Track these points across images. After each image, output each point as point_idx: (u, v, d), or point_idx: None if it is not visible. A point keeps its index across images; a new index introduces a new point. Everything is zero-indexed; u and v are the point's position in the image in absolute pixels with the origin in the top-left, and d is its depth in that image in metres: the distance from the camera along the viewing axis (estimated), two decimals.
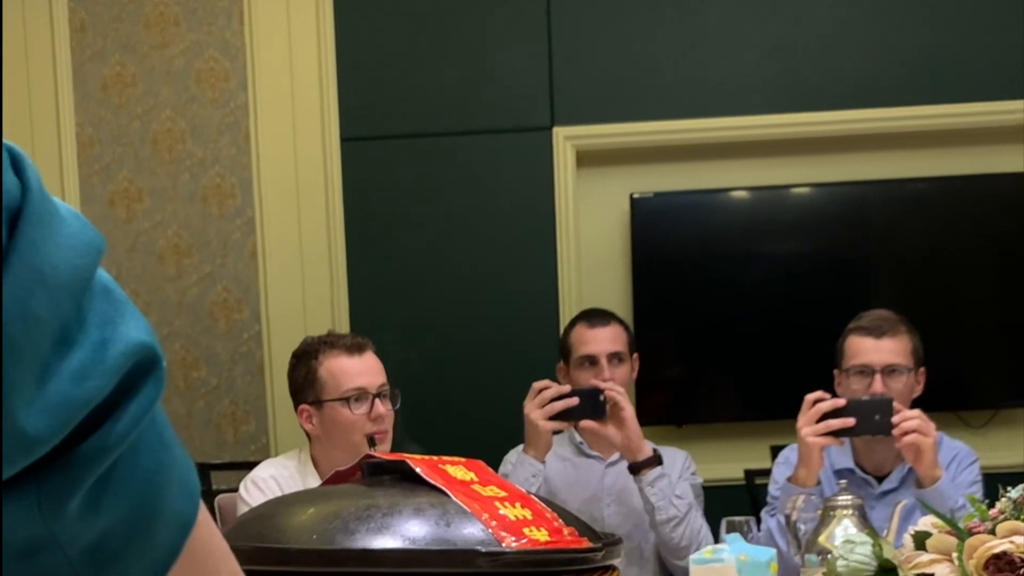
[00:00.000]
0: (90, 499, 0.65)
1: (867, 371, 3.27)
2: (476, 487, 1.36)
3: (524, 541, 1.29)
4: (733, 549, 2.62)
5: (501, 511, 1.31)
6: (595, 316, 3.67)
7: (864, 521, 2.75)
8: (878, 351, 3.28)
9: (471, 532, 1.29)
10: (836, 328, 3.42)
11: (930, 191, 4.44)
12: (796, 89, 4.37)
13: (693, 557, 2.64)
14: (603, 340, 3.57)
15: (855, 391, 3.25)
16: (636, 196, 4.41)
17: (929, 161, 4.45)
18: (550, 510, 1.35)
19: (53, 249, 0.62)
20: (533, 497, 1.37)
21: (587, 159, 4.44)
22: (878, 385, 3.24)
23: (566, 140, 4.41)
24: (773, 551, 2.70)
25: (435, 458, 1.42)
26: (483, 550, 1.27)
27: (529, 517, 1.32)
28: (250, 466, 3.28)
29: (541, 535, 1.31)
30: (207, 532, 0.77)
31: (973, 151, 4.43)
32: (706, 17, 4.39)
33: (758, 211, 4.47)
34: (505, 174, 4.43)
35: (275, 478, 3.09)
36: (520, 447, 3.44)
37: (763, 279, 4.43)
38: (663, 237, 4.43)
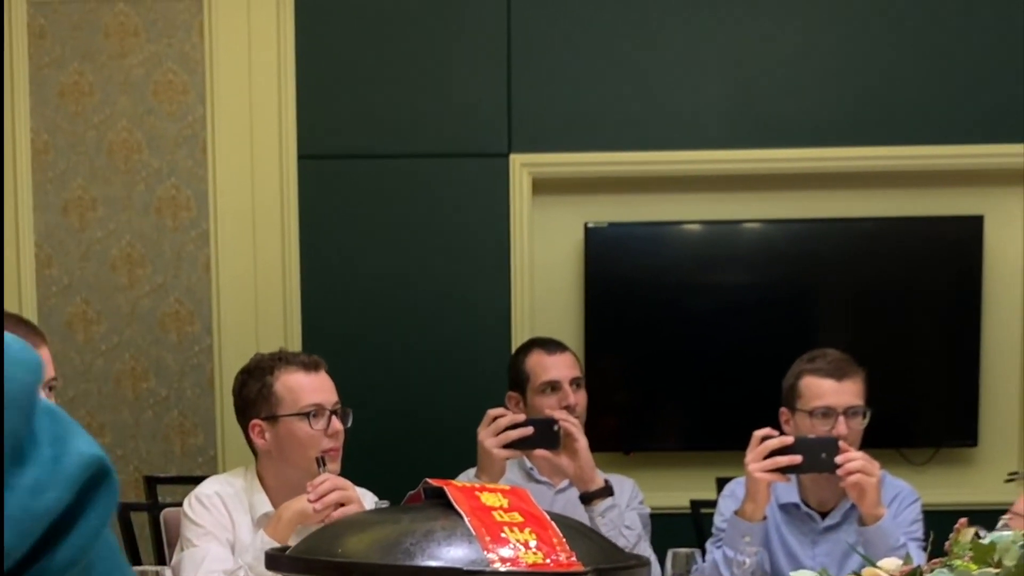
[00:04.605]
0: None
1: (831, 413, 3.30)
2: (498, 513, 1.44)
3: (509, 563, 1.37)
4: None
5: (504, 535, 1.39)
6: (551, 343, 3.71)
7: None
8: (840, 393, 3.31)
9: (466, 553, 1.38)
10: (783, 362, 3.45)
11: (878, 231, 4.51)
12: (752, 126, 4.42)
13: None
14: (564, 366, 3.62)
15: (820, 433, 3.28)
16: (591, 225, 4.45)
17: (878, 202, 4.52)
18: (560, 535, 1.42)
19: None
20: (552, 523, 1.44)
21: (543, 187, 4.47)
22: (841, 427, 3.27)
23: (523, 167, 4.43)
24: None
25: (477, 485, 1.54)
26: (465, 569, 1.35)
27: (532, 542, 1.40)
28: (197, 480, 3.27)
29: (533, 558, 1.38)
30: None
31: (921, 193, 4.50)
32: (665, 51, 4.43)
33: (710, 244, 4.52)
34: (461, 199, 4.45)
35: (219, 495, 3.07)
36: (471, 471, 3.45)
37: (713, 312, 4.48)
38: (616, 267, 4.46)
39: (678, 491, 4.19)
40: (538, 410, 3.54)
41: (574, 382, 3.61)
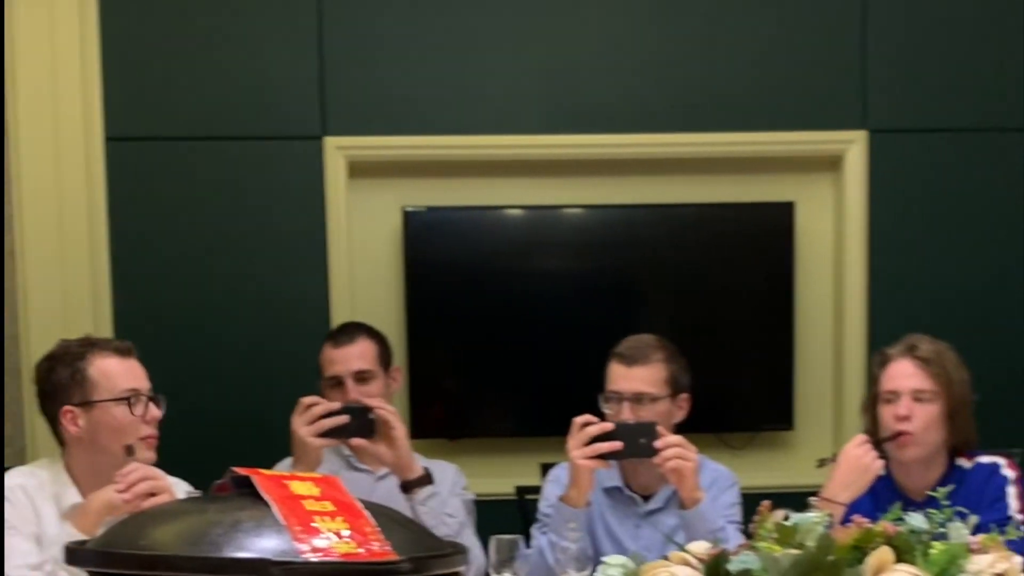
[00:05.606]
0: None
1: (615, 398, 3.34)
2: (308, 502, 1.42)
3: (321, 553, 1.36)
4: None
5: (315, 524, 1.37)
6: (340, 334, 3.64)
7: None
8: (627, 379, 3.35)
9: (276, 544, 1.35)
10: (605, 347, 3.47)
11: (694, 217, 4.54)
12: (570, 111, 4.42)
13: None
14: (348, 358, 3.55)
15: (609, 416, 3.30)
16: (409, 210, 4.40)
17: (694, 188, 4.55)
18: (373, 524, 1.40)
19: None
20: (364, 512, 1.43)
21: (359, 170, 4.40)
22: (626, 412, 3.32)
23: (338, 150, 4.36)
24: None
25: (286, 474, 1.51)
26: (275, 559, 1.33)
27: (344, 531, 1.38)
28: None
29: (346, 548, 1.36)
30: None
31: (734, 180, 4.55)
32: (482, 35, 4.40)
33: (531, 230, 4.50)
34: (275, 182, 4.36)
35: (23, 487, 2.96)
36: (288, 460, 3.38)
37: (536, 297, 4.46)
38: (436, 252, 4.42)
39: (503, 477, 4.19)
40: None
41: (360, 375, 3.54)
